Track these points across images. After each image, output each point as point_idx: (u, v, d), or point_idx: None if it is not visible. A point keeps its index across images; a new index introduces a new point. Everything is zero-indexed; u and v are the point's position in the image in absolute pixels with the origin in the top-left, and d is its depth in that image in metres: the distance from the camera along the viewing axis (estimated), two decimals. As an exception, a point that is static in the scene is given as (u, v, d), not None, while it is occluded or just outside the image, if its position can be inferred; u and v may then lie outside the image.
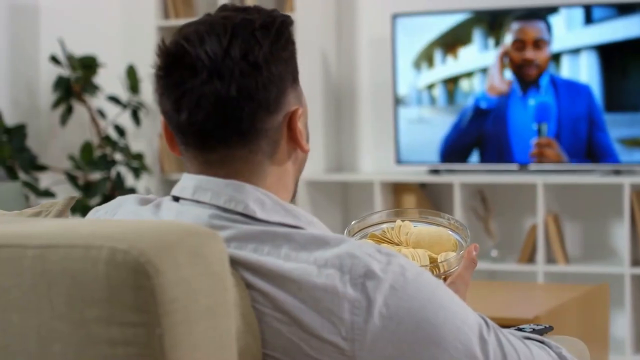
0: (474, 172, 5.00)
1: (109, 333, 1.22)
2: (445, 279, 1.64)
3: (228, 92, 1.40)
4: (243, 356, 1.33)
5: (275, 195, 1.46)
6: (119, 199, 1.60)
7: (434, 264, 1.65)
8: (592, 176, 4.74)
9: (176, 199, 1.48)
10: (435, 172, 5.05)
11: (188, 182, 1.47)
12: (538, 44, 4.84)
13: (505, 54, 4.88)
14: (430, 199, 5.15)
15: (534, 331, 1.81)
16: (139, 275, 1.19)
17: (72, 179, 5.12)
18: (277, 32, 1.45)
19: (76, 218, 1.60)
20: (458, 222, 1.76)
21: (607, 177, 4.71)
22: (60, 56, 5.21)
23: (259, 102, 1.42)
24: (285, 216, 1.44)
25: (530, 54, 4.84)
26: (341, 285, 1.36)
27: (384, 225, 1.77)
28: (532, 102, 4.86)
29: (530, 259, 4.88)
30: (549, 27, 4.81)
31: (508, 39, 4.88)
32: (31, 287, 1.26)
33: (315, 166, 5.20)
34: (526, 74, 4.86)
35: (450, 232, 1.74)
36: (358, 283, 1.36)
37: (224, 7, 1.50)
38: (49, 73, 5.27)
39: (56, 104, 5.19)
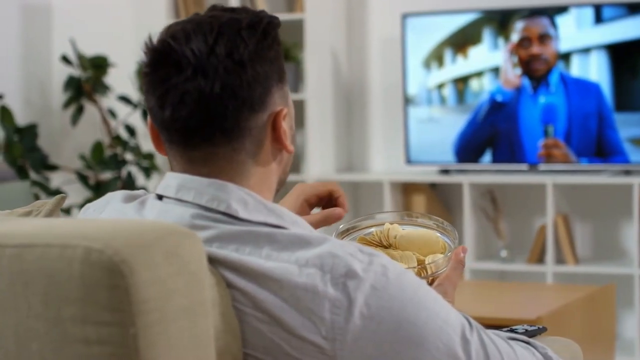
0: (483, 172, 4.99)
1: (84, 332, 1.22)
2: (433, 281, 1.64)
3: (212, 89, 1.41)
4: (223, 356, 1.33)
5: (258, 195, 1.46)
6: (108, 196, 1.60)
7: (421, 266, 1.64)
8: (602, 176, 4.72)
9: (160, 197, 1.49)
10: (445, 172, 5.04)
11: (172, 181, 1.47)
12: (543, 38, 4.82)
13: (512, 52, 4.86)
14: (440, 199, 5.14)
15: (526, 332, 1.80)
16: (113, 275, 1.20)
17: (83, 178, 5.14)
18: (263, 31, 1.46)
19: (57, 217, 1.60)
20: (447, 225, 1.75)
21: (616, 177, 4.69)
22: (72, 56, 5.22)
23: (243, 100, 1.42)
24: (268, 215, 1.44)
25: (536, 49, 4.83)
26: (322, 285, 1.36)
27: (373, 228, 1.77)
28: (542, 99, 4.84)
29: (540, 259, 4.86)
30: (553, 23, 4.79)
31: (514, 37, 4.87)
32: (9, 286, 1.26)
33: (325, 166, 5.19)
34: (535, 69, 4.84)
35: (439, 235, 1.74)
36: (339, 282, 1.36)
37: (213, 7, 1.51)
38: (61, 73, 5.29)
39: (67, 104, 5.20)
